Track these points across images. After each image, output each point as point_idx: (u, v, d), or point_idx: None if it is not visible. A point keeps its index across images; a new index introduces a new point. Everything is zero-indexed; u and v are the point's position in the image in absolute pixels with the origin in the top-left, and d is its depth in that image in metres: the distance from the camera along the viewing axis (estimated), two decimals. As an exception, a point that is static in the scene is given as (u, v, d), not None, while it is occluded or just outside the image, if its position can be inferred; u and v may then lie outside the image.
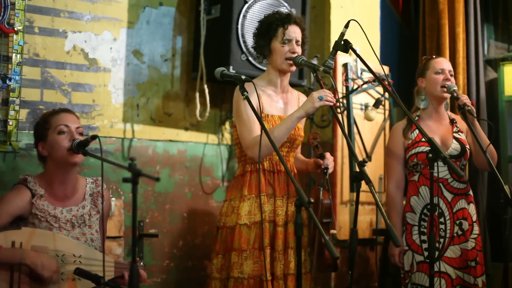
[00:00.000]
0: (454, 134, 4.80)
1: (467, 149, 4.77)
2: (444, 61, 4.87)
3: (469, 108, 4.51)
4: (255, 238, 4.19)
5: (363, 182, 3.66)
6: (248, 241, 4.17)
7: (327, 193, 4.31)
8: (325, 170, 4.28)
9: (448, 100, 4.97)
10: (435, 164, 4.02)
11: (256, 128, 4.14)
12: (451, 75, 4.78)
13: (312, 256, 4.36)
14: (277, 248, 4.20)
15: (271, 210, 4.25)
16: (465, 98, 4.57)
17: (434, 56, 4.93)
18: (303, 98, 4.51)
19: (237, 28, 5.17)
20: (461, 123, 4.85)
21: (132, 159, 2.89)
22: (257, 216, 4.19)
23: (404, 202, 4.85)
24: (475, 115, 4.54)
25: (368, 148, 6.21)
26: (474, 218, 4.79)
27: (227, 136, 5.81)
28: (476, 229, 4.76)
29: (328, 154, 4.33)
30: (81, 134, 3.84)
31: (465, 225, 4.71)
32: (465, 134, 4.86)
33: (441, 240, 4.65)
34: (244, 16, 5.20)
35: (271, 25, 4.32)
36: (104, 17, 5.12)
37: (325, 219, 4.29)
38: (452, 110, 4.89)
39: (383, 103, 6.26)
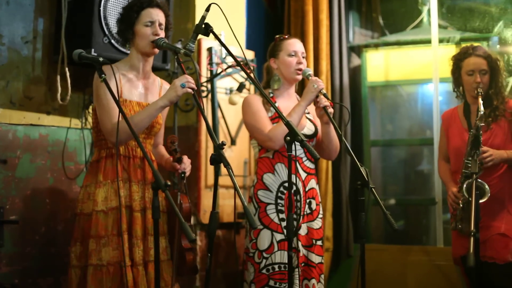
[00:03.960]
0: (307, 115, 4.87)
1: (318, 130, 4.87)
2: (296, 43, 4.88)
3: (325, 93, 4.59)
4: (113, 224, 4.17)
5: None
6: (106, 227, 4.16)
7: (186, 197, 4.32)
8: (182, 175, 4.30)
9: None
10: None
11: (116, 114, 4.10)
12: (303, 57, 4.84)
13: (172, 243, 4.35)
14: (135, 234, 4.20)
15: (127, 195, 4.24)
16: (321, 83, 4.63)
17: (286, 36, 4.95)
18: (166, 86, 4.53)
19: (99, 10, 5.06)
20: (310, 107, 4.86)
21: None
22: (113, 202, 4.18)
23: (254, 180, 4.85)
24: (330, 98, 4.63)
25: (233, 133, 6.26)
26: (319, 199, 4.90)
27: (90, 120, 5.68)
28: (321, 211, 4.87)
29: (185, 158, 4.36)
30: None
31: (313, 204, 4.81)
32: (313, 117, 4.93)
33: (297, 217, 4.71)
34: (107, -2, 5.12)
35: (132, 8, 4.31)
36: (-40, -3, 4.94)
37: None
38: (301, 92, 4.91)
39: (247, 87, 6.32)
